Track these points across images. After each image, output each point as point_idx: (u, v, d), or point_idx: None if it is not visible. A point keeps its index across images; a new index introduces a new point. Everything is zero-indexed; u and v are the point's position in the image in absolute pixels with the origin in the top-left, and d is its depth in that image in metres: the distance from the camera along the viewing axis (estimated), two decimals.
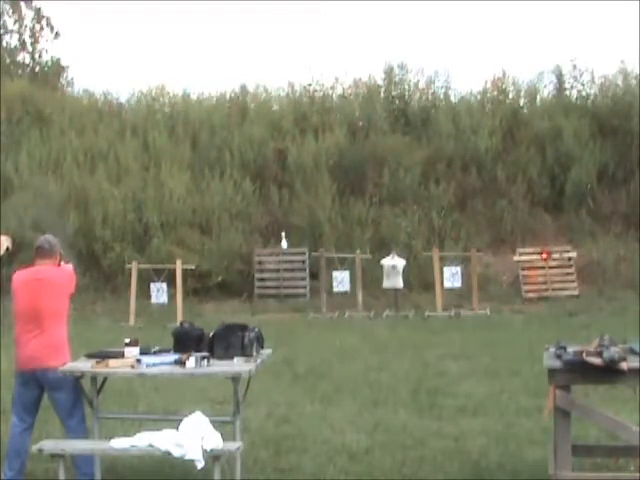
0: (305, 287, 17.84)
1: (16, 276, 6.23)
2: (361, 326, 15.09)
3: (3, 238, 4.14)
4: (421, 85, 22.01)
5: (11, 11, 32.31)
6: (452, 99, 21.93)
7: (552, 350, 5.69)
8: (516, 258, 17.69)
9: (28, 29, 32.56)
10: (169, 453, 5.73)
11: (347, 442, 7.23)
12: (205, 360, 6.04)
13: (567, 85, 21.50)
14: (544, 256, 17.40)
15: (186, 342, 6.31)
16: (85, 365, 6.22)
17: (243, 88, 22.83)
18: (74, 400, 6.19)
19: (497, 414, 8.20)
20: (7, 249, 4.08)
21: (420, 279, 17.43)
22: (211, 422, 5.92)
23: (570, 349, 5.60)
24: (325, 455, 6.92)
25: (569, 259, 17.50)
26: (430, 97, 21.85)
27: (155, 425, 6.46)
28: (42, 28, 32.64)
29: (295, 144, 19.95)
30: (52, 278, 6.17)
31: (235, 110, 21.81)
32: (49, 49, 32.51)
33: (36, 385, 6.16)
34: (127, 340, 6.42)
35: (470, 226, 18.69)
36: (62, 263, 6.31)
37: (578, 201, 18.85)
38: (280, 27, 44.71)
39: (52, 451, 5.97)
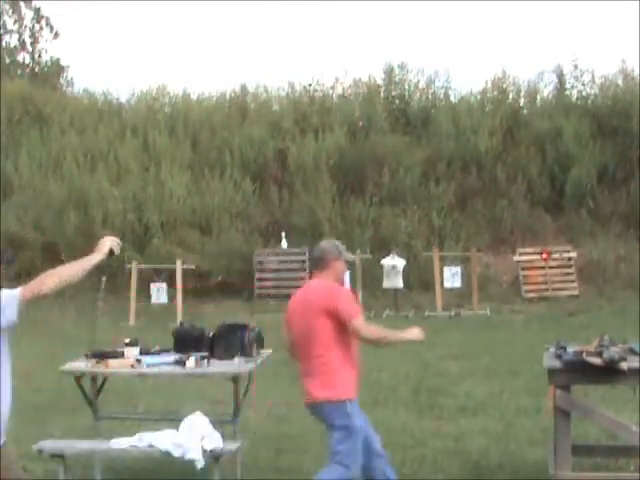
0: None
1: None
2: None
3: (110, 240, 4.08)
4: (421, 85, 22.02)
5: (11, 11, 32.34)
6: (452, 99, 21.93)
7: (552, 350, 5.70)
8: (516, 258, 17.68)
9: (28, 29, 32.61)
10: (169, 453, 5.74)
11: None
12: (205, 360, 6.04)
13: (567, 85, 21.50)
14: (544, 256, 17.38)
15: (186, 342, 6.31)
16: (85, 365, 6.23)
17: (243, 88, 22.83)
18: None
19: (497, 414, 8.20)
20: (112, 253, 4.04)
21: (420, 279, 17.43)
22: (211, 422, 5.93)
23: (570, 349, 5.60)
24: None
25: (569, 259, 17.49)
26: (430, 97, 21.85)
27: (155, 425, 6.47)
28: (42, 28, 32.69)
29: (295, 144, 19.95)
30: None
31: (235, 110, 21.82)
32: (49, 49, 32.63)
33: None
34: (127, 340, 6.42)
35: (470, 226, 18.67)
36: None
37: (578, 201, 18.83)
38: (280, 27, 44.76)
39: (52, 451, 5.98)
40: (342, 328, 5.12)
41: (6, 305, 3.82)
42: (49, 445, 6.04)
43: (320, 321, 5.13)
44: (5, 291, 3.90)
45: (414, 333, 5.20)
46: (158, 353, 6.39)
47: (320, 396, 5.18)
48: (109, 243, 4.09)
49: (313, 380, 5.21)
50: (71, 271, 3.96)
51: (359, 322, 5.10)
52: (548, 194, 19.19)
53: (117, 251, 4.06)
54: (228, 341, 6.19)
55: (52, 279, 3.88)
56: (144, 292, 16.73)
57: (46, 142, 20.78)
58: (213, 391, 8.77)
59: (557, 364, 5.45)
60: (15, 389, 7.73)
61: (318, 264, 5.38)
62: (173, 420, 6.32)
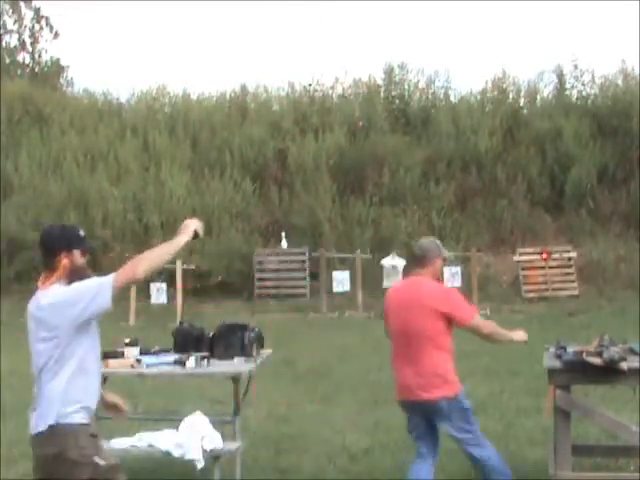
0: (305, 287, 17.83)
1: None
2: (361, 326, 15.07)
3: (194, 222, 4.04)
4: (421, 85, 22.04)
5: (11, 11, 32.33)
6: (452, 99, 21.94)
7: (552, 350, 5.70)
8: (516, 258, 17.68)
9: (28, 29, 32.60)
10: (169, 453, 5.74)
11: (347, 442, 7.23)
12: (205, 360, 6.04)
13: (567, 85, 21.51)
14: (544, 256, 17.38)
15: (186, 342, 6.31)
16: None
17: (243, 88, 22.85)
18: None
19: (497, 414, 8.20)
20: (196, 235, 4.01)
21: None
22: (211, 422, 5.93)
23: (570, 349, 5.60)
24: (325, 455, 6.92)
25: (569, 259, 17.49)
26: (430, 97, 21.86)
27: (155, 425, 6.47)
28: (42, 28, 32.69)
29: (295, 144, 19.95)
30: None
31: (235, 110, 21.82)
32: (49, 49, 32.64)
33: None
34: (127, 340, 6.41)
35: (470, 226, 18.67)
36: None
37: (578, 201, 18.83)
38: (280, 27, 44.77)
39: None
40: (450, 326, 5.34)
41: (98, 293, 3.76)
42: None
43: (431, 321, 5.28)
44: (96, 278, 3.87)
45: (519, 335, 5.49)
46: (158, 353, 6.38)
47: (436, 396, 5.31)
48: (193, 225, 4.01)
49: (421, 378, 5.34)
50: (161, 254, 3.92)
51: (477, 321, 5.38)
52: (548, 194, 19.19)
53: (201, 233, 4.02)
54: (228, 341, 6.18)
55: (144, 263, 3.82)
56: (144, 292, 16.73)
57: (46, 142, 20.78)
58: (213, 391, 8.78)
59: (557, 364, 5.45)
60: (15, 389, 7.75)
61: (420, 261, 5.51)
62: (173, 420, 6.32)
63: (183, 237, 3.99)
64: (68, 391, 3.81)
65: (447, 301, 5.32)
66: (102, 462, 3.84)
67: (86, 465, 3.79)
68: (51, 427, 3.79)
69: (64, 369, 3.80)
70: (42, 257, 3.93)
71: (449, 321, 5.30)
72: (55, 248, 3.90)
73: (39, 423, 3.83)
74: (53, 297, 3.81)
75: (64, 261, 3.89)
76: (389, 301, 5.61)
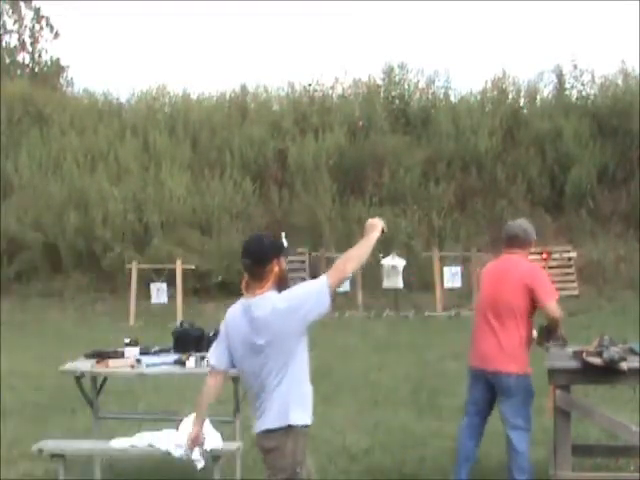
0: None
1: None
2: (361, 326, 15.08)
3: (378, 220, 4.33)
4: (421, 85, 22.04)
5: (11, 11, 32.34)
6: (452, 99, 21.94)
7: (552, 350, 5.69)
8: None
9: (28, 29, 32.62)
10: (169, 453, 5.74)
11: (347, 442, 7.23)
12: (205, 360, 6.04)
13: (567, 85, 21.50)
14: (544, 256, 17.35)
15: (186, 342, 6.31)
16: (85, 365, 6.23)
17: (243, 88, 22.85)
18: None
19: (497, 414, 8.17)
20: (383, 231, 4.24)
21: (420, 279, 17.42)
22: (211, 422, 5.92)
23: (570, 349, 5.60)
24: (325, 455, 6.92)
25: (569, 259, 17.48)
26: (430, 97, 21.86)
27: (155, 425, 6.46)
28: (42, 28, 32.71)
29: (295, 144, 19.94)
30: None
31: (235, 110, 21.82)
32: (49, 49, 32.68)
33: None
34: (127, 340, 6.42)
35: (470, 226, 18.66)
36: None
37: (578, 201, 18.83)
38: (280, 27, 44.78)
39: (52, 451, 5.98)
40: (533, 309, 5.55)
41: (319, 297, 3.97)
42: (49, 445, 6.04)
43: (518, 297, 5.50)
44: (312, 282, 4.08)
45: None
46: (158, 353, 6.39)
47: (510, 370, 5.50)
48: (380, 223, 4.26)
49: (501, 350, 5.52)
50: (362, 252, 4.22)
51: (553, 304, 5.51)
52: (548, 194, 19.19)
53: (386, 229, 4.28)
54: None
55: (351, 264, 4.12)
56: (144, 292, 16.72)
57: (46, 142, 20.77)
58: None
59: (557, 364, 5.45)
60: (15, 389, 7.77)
61: (519, 242, 5.69)
62: (173, 420, 6.32)
63: (375, 234, 4.26)
64: (296, 393, 4.02)
65: (534, 277, 5.53)
66: (303, 475, 4.02)
67: (290, 468, 3.99)
68: (281, 427, 3.98)
69: (290, 372, 4.00)
70: (251, 265, 4.13)
71: (532, 300, 5.47)
72: (269, 256, 4.14)
73: (271, 421, 4.01)
74: (276, 304, 4.00)
75: (275, 268, 4.11)
76: (485, 274, 5.84)
